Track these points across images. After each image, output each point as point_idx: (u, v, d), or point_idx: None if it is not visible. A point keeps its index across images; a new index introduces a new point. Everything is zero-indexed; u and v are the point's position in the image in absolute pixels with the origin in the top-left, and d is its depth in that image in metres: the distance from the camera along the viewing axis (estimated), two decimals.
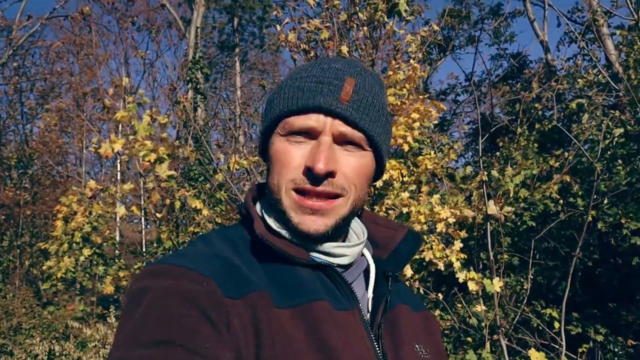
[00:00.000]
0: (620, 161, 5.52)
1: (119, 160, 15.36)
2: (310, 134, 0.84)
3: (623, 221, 4.46)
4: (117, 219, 13.24)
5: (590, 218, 3.69)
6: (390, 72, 4.80)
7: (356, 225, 0.99)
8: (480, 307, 3.18)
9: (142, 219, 18.03)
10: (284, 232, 0.86)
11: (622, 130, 5.70)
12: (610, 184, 5.31)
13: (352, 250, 0.90)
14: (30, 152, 16.99)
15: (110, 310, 5.94)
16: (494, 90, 14.00)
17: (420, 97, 4.77)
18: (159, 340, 0.63)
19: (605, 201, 5.28)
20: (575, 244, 6.16)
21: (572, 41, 9.45)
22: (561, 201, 5.41)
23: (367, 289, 0.91)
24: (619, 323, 6.08)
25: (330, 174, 0.82)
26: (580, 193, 5.32)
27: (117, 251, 10.91)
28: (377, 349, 0.82)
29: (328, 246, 0.87)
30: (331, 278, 0.85)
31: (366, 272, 0.94)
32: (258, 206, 0.94)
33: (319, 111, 0.83)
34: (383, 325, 0.86)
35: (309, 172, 0.82)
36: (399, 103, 4.83)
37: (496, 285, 2.97)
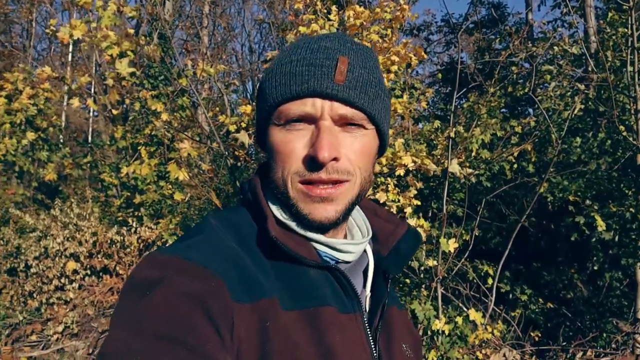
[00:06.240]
0: (577, 137, 5.75)
1: (71, 46, 14.32)
2: (308, 119, 0.81)
3: (571, 198, 4.73)
4: (65, 103, 12.61)
5: (542, 189, 3.89)
6: (378, 9, 4.64)
7: (360, 220, 0.98)
8: (431, 262, 3.34)
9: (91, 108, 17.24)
10: (292, 225, 0.84)
11: (582, 105, 5.89)
12: (564, 157, 5.55)
13: (357, 247, 0.89)
14: None
15: (56, 202, 5.79)
16: (468, 36, 13.92)
17: (404, 40, 4.68)
18: (162, 336, 0.62)
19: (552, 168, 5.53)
20: (518, 203, 6.52)
21: (555, 5, 9.41)
22: (515, 165, 5.63)
23: (364, 286, 0.91)
24: (538, 281, 6.62)
25: (334, 160, 0.80)
26: (533, 159, 5.54)
27: (61, 137, 10.49)
28: (374, 352, 0.84)
29: (336, 242, 0.86)
30: (338, 280, 0.84)
31: (365, 267, 0.93)
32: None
33: (313, 95, 0.80)
34: (380, 328, 0.88)
35: (312, 161, 0.79)
36: (380, 41, 4.73)
37: (451, 245, 3.14)
